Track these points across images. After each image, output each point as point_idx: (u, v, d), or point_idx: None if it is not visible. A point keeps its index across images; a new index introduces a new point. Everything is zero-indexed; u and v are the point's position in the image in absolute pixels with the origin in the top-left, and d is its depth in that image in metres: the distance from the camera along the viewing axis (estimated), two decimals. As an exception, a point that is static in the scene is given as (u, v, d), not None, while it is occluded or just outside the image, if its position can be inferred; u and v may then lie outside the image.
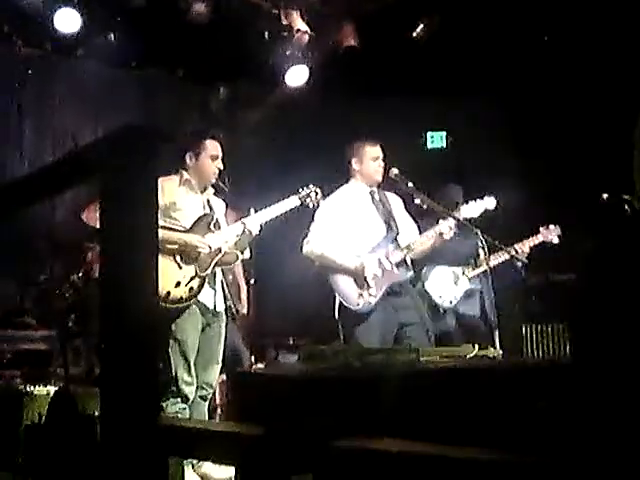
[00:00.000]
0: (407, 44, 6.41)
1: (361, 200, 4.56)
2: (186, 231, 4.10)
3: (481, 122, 6.87)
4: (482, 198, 4.63)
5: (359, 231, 4.45)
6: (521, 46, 6.15)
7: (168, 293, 3.93)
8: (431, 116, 7.05)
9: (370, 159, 4.53)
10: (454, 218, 4.46)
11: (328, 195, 4.57)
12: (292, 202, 4.34)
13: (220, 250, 4.12)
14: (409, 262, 4.47)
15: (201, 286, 4.04)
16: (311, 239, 4.44)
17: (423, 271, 5.23)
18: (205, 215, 4.19)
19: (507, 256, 4.95)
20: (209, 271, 4.07)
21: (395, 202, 4.65)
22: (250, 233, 4.19)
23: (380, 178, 4.54)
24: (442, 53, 6.36)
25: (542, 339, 5.74)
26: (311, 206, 4.40)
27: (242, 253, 4.28)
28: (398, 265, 4.39)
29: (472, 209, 4.55)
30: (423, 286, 5.22)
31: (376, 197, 4.58)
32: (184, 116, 7.25)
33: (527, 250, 5.16)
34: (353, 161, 4.56)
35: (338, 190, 4.61)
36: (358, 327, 4.26)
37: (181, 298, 3.97)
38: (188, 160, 4.22)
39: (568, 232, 5.33)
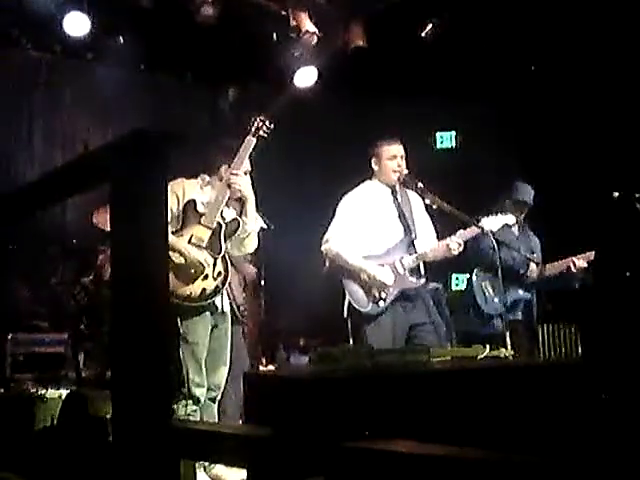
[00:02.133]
0: (415, 44, 6.40)
1: (382, 199, 4.50)
2: (180, 228, 4.09)
3: (490, 122, 6.85)
4: (503, 213, 4.57)
5: (376, 232, 4.41)
6: (531, 45, 6.13)
7: (204, 289, 3.97)
8: (440, 116, 7.03)
9: (387, 158, 4.47)
10: (467, 222, 4.42)
11: (346, 192, 4.54)
12: (250, 143, 4.17)
13: (220, 225, 4.10)
14: (422, 269, 4.44)
15: (222, 273, 4.05)
16: (330, 237, 4.42)
17: (473, 276, 5.26)
18: (190, 201, 4.12)
19: (562, 269, 5.09)
20: (224, 249, 4.07)
21: (416, 202, 4.57)
22: (240, 192, 4.10)
23: (395, 178, 4.44)
24: (451, 53, 6.35)
25: (556, 339, 5.70)
26: (267, 136, 4.20)
27: (245, 245, 4.24)
28: (412, 271, 4.37)
29: (492, 223, 4.44)
30: (472, 291, 5.24)
31: (397, 197, 4.51)
32: (193, 118, 7.26)
33: (585, 265, 5.13)
34: (372, 160, 4.53)
35: (360, 186, 4.56)
36: (367, 327, 4.25)
37: (206, 290, 3.98)
38: (223, 172, 4.23)
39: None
